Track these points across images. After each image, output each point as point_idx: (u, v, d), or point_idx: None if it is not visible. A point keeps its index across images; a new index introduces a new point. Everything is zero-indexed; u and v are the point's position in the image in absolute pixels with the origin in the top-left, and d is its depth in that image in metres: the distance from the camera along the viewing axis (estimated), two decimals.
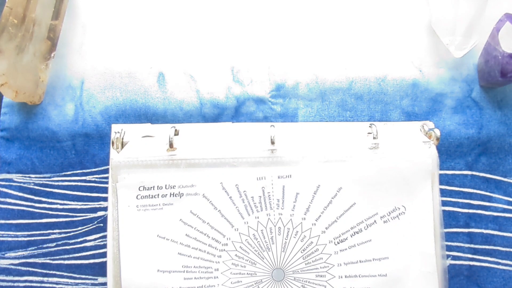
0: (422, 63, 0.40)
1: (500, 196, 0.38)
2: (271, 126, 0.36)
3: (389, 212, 0.35)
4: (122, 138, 0.36)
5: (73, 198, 0.39)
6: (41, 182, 0.39)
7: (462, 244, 0.38)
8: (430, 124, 0.37)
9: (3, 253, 0.39)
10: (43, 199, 0.39)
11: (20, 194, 0.39)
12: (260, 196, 0.36)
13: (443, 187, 0.38)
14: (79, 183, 0.39)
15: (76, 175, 0.39)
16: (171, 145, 0.36)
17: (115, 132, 0.36)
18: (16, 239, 0.39)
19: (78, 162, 0.39)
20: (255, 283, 0.36)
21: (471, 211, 0.38)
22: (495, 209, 0.38)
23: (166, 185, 0.36)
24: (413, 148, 0.36)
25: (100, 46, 0.40)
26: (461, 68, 0.39)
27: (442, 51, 0.40)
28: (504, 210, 0.38)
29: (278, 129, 0.37)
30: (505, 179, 0.39)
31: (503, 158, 0.39)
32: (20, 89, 0.37)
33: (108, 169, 0.39)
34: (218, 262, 0.36)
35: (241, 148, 0.36)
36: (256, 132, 0.37)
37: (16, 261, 0.38)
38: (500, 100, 0.39)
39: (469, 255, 0.38)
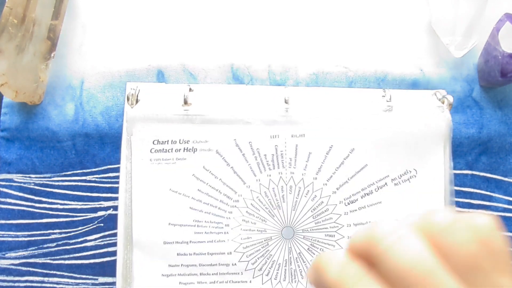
0: (422, 63, 0.40)
1: (501, 196, 0.38)
2: (285, 87, 0.36)
3: (400, 175, 0.35)
4: (137, 95, 0.37)
5: (73, 198, 0.39)
6: (42, 182, 0.39)
7: None
8: (442, 92, 0.37)
9: (4, 253, 0.39)
10: (44, 199, 0.39)
11: (21, 194, 0.39)
12: (273, 154, 0.36)
13: None
14: (79, 183, 0.39)
15: (77, 175, 0.39)
16: (185, 102, 0.36)
17: (131, 89, 0.37)
18: (16, 239, 0.39)
19: (78, 162, 0.39)
20: (264, 240, 0.36)
21: (471, 210, 0.38)
22: (496, 209, 0.38)
23: (180, 140, 0.36)
24: (427, 112, 0.36)
25: (100, 46, 0.40)
26: (461, 68, 0.39)
27: (442, 51, 0.40)
28: (505, 210, 0.38)
29: (292, 91, 0.37)
30: (506, 179, 0.39)
31: (504, 157, 0.39)
32: (20, 89, 0.37)
33: (108, 169, 0.39)
34: (229, 218, 0.36)
35: (256, 106, 0.36)
36: (270, 92, 0.37)
37: (17, 261, 0.38)
38: (501, 100, 0.39)
39: None
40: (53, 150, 0.39)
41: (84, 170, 0.39)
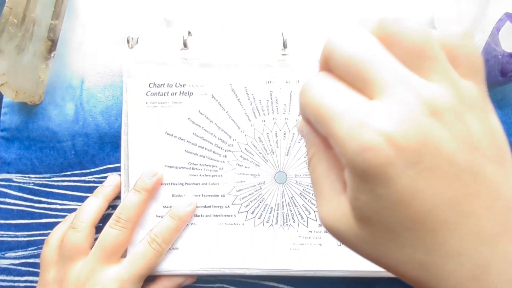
0: None
1: None
2: (282, 34, 0.37)
3: None
4: (137, 39, 0.37)
5: (73, 198, 0.39)
6: (41, 182, 0.39)
7: None
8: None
9: (3, 253, 0.39)
10: (43, 199, 0.39)
11: (20, 194, 0.39)
12: (267, 100, 0.36)
13: None
14: (78, 184, 0.39)
15: (76, 175, 0.39)
16: (185, 45, 0.37)
17: (131, 32, 0.38)
18: (16, 239, 0.39)
19: (77, 162, 0.39)
20: (257, 184, 0.37)
21: None
22: None
23: (176, 83, 0.37)
24: None
25: (100, 46, 0.40)
26: None
27: None
28: None
29: (290, 35, 0.37)
30: None
31: None
32: (20, 89, 0.37)
33: (107, 169, 0.39)
34: (223, 161, 0.37)
35: (253, 51, 0.37)
36: (268, 36, 0.37)
37: (16, 261, 0.38)
38: (501, 100, 0.39)
39: None
40: (52, 150, 0.39)
41: (84, 171, 0.39)
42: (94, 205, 0.36)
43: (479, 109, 0.16)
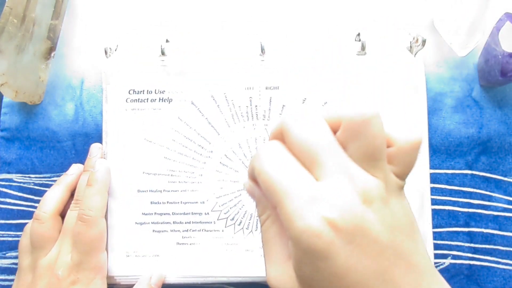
0: (422, 62, 0.39)
1: (500, 196, 0.38)
2: (260, 36, 0.37)
3: None
4: (116, 48, 0.38)
5: None
6: (41, 182, 0.39)
7: (462, 244, 0.38)
8: (415, 32, 0.38)
9: (4, 253, 0.39)
10: None
11: (20, 194, 0.39)
12: (247, 106, 0.37)
13: (442, 186, 0.38)
14: None
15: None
16: (162, 53, 0.37)
17: (109, 44, 0.38)
18: (16, 239, 0.39)
19: (78, 162, 0.39)
20: (237, 191, 0.37)
21: (471, 210, 0.38)
22: (495, 208, 0.38)
23: (155, 90, 0.37)
24: (399, 60, 0.37)
25: (100, 45, 0.40)
26: (461, 67, 0.39)
27: (442, 50, 0.39)
28: (504, 210, 0.38)
29: (268, 41, 0.37)
30: (505, 179, 0.38)
31: (503, 157, 0.39)
32: (20, 89, 0.37)
33: None
34: (203, 168, 0.37)
35: (231, 57, 0.37)
36: (246, 42, 0.38)
37: (17, 261, 0.38)
38: (500, 100, 0.39)
39: (469, 255, 0.38)
40: (53, 150, 0.39)
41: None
42: (55, 194, 0.36)
43: (399, 195, 0.20)
